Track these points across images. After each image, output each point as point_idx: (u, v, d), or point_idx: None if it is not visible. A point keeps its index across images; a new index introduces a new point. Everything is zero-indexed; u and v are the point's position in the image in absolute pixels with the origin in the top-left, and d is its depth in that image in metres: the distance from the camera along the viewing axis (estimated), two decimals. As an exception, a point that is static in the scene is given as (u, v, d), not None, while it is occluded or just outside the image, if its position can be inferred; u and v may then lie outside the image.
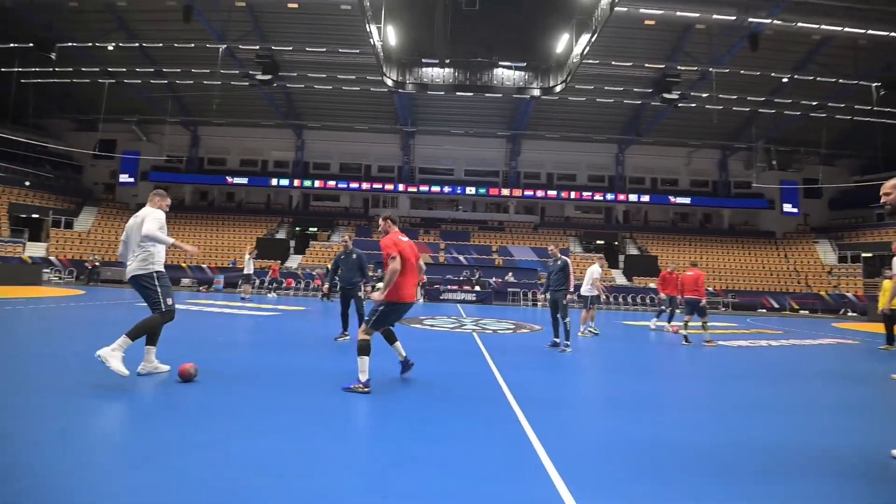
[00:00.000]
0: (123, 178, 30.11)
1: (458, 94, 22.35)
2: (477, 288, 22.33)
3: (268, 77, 21.44)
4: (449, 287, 22.33)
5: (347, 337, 7.19)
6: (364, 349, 4.06)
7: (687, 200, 31.41)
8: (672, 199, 31.30)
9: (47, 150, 29.04)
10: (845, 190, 29.64)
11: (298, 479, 2.31)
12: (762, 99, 24.35)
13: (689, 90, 22.85)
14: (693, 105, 23.81)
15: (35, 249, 24.86)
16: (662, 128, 28.16)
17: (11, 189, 26.75)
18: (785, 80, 22.44)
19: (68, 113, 29.34)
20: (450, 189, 31.22)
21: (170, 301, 4.22)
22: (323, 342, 7.05)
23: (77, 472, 2.28)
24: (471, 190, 31.04)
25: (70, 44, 20.76)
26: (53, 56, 20.10)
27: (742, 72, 21.66)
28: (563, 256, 7.39)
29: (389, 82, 20.98)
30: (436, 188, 31.08)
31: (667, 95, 21.27)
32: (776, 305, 24.25)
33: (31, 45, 20.06)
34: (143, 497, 2.08)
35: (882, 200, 2.86)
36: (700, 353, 7.74)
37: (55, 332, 7.22)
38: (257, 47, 21.39)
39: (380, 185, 31.07)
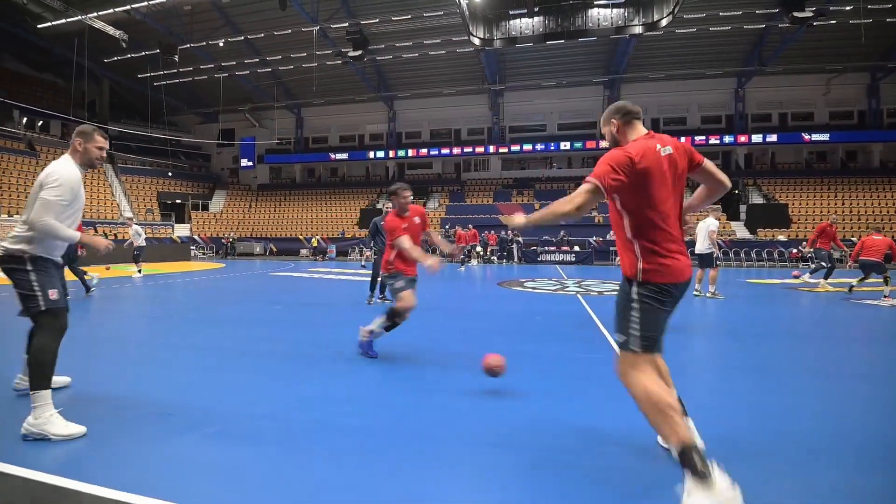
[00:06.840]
0: (244, 162, 33.43)
1: (548, 43, 21.04)
2: (576, 248, 21.69)
3: (358, 52, 22.14)
4: (546, 248, 21.96)
5: (381, 301, 7.49)
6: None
7: (825, 137, 26.89)
8: (806, 136, 27.01)
9: (181, 143, 33.63)
10: None
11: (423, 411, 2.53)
12: (929, 2, 19.78)
13: (827, 4, 19.26)
14: (832, 22, 20.07)
15: (181, 230, 28.95)
16: (793, 53, 24.17)
17: (157, 179, 31.33)
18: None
19: (193, 108, 33.03)
20: (542, 146, 30.00)
21: (53, 294, 2.52)
22: (447, 307, 7.38)
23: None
24: (565, 145, 29.54)
25: (188, 45, 23.13)
26: (177, 58, 22.67)
27: (902, -30, 17.74)
28: None
29: (476, 41, 20.43)
30: (527, 146, 30.02)
31: (798, 14, 18.19)
32: (945, 254, 20.37)
33: (157, 51, 22.78)
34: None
35: None
36: (836, 313, 6.85)
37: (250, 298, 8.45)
38: (346, 24, 22.03)
39: (470, 149, 30.88)
